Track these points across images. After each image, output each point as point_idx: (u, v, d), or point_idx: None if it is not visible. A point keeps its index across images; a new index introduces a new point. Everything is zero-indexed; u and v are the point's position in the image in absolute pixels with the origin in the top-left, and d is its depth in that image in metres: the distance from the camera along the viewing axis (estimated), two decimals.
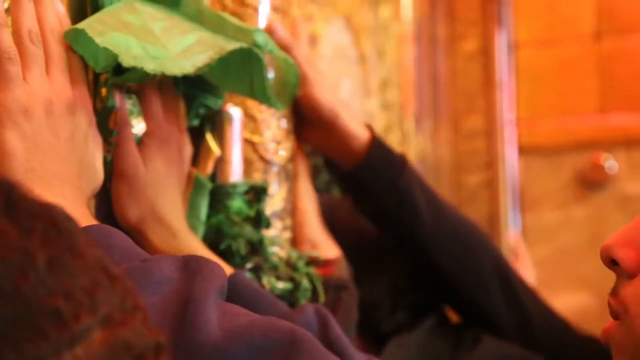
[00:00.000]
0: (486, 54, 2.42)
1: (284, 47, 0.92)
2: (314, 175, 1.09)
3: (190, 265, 0.56)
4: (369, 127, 1.05)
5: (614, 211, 2.33)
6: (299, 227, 0.97)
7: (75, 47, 0.69)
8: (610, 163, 2.33)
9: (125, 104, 0.75)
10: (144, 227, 0.77)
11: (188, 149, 0.82)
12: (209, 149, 0.87)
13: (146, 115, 0.77)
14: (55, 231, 0.39)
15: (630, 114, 2.32)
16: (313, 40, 1.58)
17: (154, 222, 0.77)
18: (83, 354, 0.35)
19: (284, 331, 0.52)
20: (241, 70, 0.77)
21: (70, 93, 0.67)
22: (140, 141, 0.77)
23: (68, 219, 0.41)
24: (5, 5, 0.69)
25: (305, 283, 0.89)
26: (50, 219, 0.39)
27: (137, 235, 0.77)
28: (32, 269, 0.36)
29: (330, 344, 0.68)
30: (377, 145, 1.04)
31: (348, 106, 1.04)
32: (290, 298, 0.89)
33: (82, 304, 0.36)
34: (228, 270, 0.78)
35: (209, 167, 0.87)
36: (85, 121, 0.69)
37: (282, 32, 0.95)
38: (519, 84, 2.44)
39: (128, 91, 0.76)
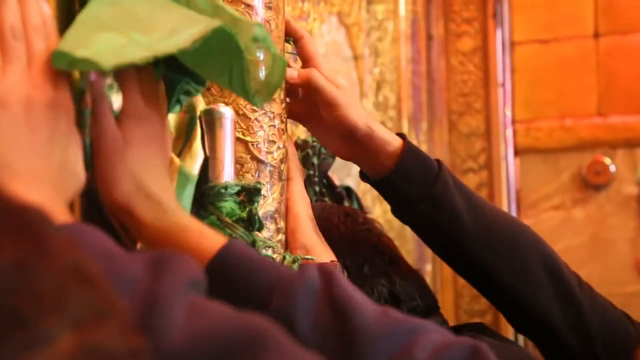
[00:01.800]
0: (483, 53, 2.41)
1: (306, 80, 0.97)
2: (306, 185, 1.07)
3: (159, 261, 0.54)
4: (402, 135, 1.06)
5: (613, 212, 2.32)
6: (292, 232, 0.96)
7: (61, 66, 0.66)
8: (610, 164, 2.32)
9: (102, 79, 0.72)
10: (131, 205, 0.73)
11: (168, 134, 0.79)
12: (196, 150, 0.85)
13: (123, 92, 0.73)
14: (27, 232, 0.37)
15: (630, 115, 2.31)
16: None
17: (142, 198, 0.73)
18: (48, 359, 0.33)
19: (250, 331, 0.51)
20: (221, 59, 0.74)
21: (51, 92, 0.66)
22: (117, 119, 0.73)
23: (44, 220, 0.39)
24: None
25: None
26: (24, 219, 0.38)
27: (126, 215, 0.74)
28: None
29: (334, 302, 0.67)
30: (410, 151, 1.04)
31: (370, 114, 1.06)
32: None
33: (47, 306, 0.34)
34: (220, 240, 0.75)
35: (195, 169, 0.84)
36: (65, 122, 0.67)
37: (302, 70, 0.98)
38: (517, 84, 2.42)
39: None
